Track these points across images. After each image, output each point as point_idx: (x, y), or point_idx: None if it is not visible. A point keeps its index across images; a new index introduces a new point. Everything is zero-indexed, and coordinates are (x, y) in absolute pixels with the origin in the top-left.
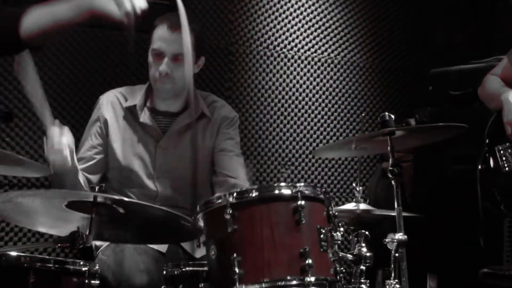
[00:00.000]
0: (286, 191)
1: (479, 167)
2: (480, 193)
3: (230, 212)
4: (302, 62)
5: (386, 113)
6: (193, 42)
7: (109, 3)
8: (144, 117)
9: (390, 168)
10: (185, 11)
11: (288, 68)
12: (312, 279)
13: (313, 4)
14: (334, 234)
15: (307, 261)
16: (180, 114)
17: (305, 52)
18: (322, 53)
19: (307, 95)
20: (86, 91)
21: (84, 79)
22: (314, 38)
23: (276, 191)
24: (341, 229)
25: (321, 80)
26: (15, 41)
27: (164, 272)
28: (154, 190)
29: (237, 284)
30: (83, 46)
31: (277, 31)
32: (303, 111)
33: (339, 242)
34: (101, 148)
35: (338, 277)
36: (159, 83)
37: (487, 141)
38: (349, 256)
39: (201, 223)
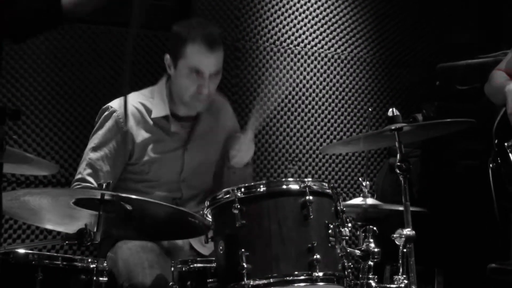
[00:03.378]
0: (294, 186)
1: (490, 166)
2: (494, 193)
3: (238, 207)
4: (309, 57)
5: (393, 109)
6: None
7: None
8: (174, 126)
9: (398, 163)
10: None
11: (294, 64)
12: (320, 274)
13: (320, 0)
14: (342, 230)
15: (315, 256)
16: (198, 116)
17: (311, 47)
18: (329, 48)
19: (314, 91)
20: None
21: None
22: (320, 34)
23: (284, 186)
24: (349, 224)
25: (328, 76)
26: (57, 11)
27: (172, 269)
28: (179, 193)
29: (245, 279)
30: (90, 43)
31: (284, 27)
32: (310, 106)
33: (347, 237)
34: (122, 161)
35: (346, 273)
36: (196, 101)
37: (496, 140)
38: (357, 252)
39: (209, 218)
